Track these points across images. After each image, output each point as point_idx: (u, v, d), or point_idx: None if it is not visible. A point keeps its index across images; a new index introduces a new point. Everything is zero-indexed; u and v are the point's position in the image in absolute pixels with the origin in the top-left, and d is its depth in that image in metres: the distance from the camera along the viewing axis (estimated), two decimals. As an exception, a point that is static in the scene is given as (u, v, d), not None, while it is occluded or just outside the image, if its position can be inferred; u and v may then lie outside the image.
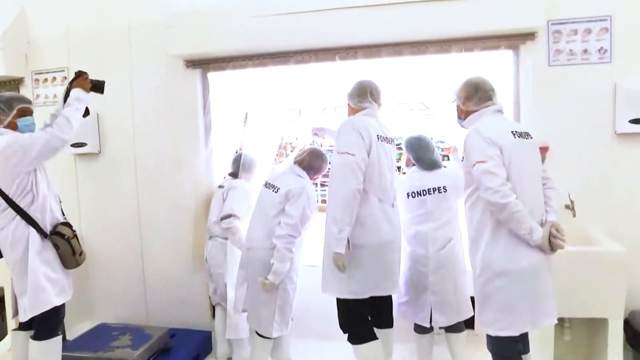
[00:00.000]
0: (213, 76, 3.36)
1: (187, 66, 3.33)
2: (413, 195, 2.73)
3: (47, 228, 2.40)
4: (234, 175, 3.28)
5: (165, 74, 3.39)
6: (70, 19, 3.56)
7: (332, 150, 2.54)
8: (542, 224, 2.03)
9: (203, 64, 3.30)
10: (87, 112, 2.53)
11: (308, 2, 2.96)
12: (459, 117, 2.31)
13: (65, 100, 2.46)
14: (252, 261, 2.71)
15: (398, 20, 2.86)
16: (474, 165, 1.99)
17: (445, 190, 2.71)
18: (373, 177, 2.35)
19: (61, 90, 3.57)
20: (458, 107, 2.29)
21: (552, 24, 2.84)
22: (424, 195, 2.71)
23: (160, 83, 3.42)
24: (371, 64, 3.06)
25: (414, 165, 2.86)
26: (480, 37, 2.90)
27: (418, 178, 2.78)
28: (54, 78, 3.60)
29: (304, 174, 2.79)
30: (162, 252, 3.53)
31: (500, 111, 2.20)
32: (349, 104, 2.58)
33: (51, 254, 2.41)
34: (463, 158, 2.13)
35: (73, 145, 3.48)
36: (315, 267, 3.26)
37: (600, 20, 2.79)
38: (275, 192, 2.70)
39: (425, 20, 2.83)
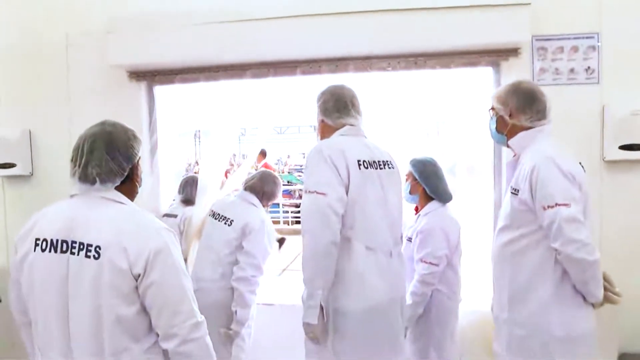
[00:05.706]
0: (159, 90, 2.98)
1: (131, 78, 2.94)
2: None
3: None
4: (188, 202, 2.92)
5: (106, 86, 2.98)
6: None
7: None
8: None
9: (148, 76, 2.92)
10: None
11: (266, 9, 2.62)
12: (498, 131, 1.80)
13: None
14: (203, 305, 2.33)
15: (367, 32, 2.55)
16: (553, 206, 1.55)
17: None
18: (355, 218, 1.78)
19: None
20: (500, 118, 1.78)
21: (537, 39, 2.57)
22: None
23: (101, 96, 2.99)
24: (336, 79, 2.73)
25: (431, 198, 2.33)
26: (457, 52, 2.63)
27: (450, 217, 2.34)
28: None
29: (257, 202, 2.48)
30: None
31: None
32: (322, 121, 1.97)
33: None
34: (516, 190, 1.66)
35: (0, 166, 3.04)
36: (272, 305, 2.92)
37: (587, 37, 2.53)
38: (229, 225, 2.37)
39: (396, 32, 2.54)
